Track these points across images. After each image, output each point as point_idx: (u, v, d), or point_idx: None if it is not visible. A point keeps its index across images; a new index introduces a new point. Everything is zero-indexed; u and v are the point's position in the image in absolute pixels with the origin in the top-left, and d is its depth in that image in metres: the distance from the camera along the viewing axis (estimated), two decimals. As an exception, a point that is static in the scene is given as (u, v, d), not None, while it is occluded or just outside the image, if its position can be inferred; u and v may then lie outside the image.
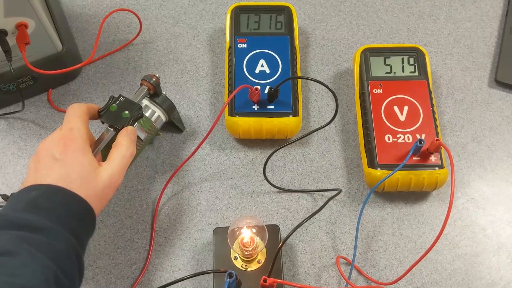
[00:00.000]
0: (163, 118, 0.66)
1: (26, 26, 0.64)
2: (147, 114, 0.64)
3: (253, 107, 0.67)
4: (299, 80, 0.70)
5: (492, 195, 0.66)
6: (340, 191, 0.65)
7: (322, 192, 0.66)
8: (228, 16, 0.74)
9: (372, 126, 0.65)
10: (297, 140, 0.65)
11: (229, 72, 0.70)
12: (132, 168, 0.68)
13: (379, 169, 0.62)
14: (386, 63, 0.70)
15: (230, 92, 0.68)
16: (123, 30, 0.78)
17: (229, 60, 0.71)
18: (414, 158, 0.63)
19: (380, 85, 0.68)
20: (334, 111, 0.61)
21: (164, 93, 0.65)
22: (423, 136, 0.64)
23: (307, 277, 0.61)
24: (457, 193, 0.66)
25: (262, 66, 0.70)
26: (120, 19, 0.79)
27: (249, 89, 0.65)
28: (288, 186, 0.67)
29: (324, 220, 0.65)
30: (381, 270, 0.61)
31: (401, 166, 0.60)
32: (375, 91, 0.67)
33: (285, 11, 0.74)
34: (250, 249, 0.54)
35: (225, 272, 0.48)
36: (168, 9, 0.80)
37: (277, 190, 0.66)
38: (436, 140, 0.60)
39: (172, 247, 0.63)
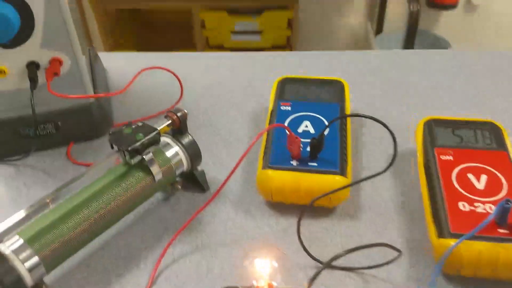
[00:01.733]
0: (185, 164, 0.56)
1: (60, 62, 0.61)
2: (167, 154, 0.54)
3: (292, 162, 0.56)
4: (349, 138, 0.59)
5: None
6: (400, 253, 0.48)
7: (376, 273, 0.50)
8: (275, 86, 0.68)
9: (441, 192, 0.51)
10: (333, 192, 0.52)
11: (268, 135, 0.60)
12: (137, 224, 0.55)
13: (452, 238, 0.46)
14: (455, 133, 0.59)
15: (265, 153, 0.58)
16: (167, 94, 0.74)
17: (270, 122, 0.62)
18: (500, 230, 0.47)
19: (450, 152, 0.56)
20: (393, 155, 0.49)
21: (191, 137, 0.57)
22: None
23: None
24: None
25: (306, 126, 0.60)
26: (163, 83, 0.76)
27: (288, 135, 0.55)
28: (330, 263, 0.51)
29: (376, 309, 0.47)
30: None
31: (481, 227, 0.44)
32: (443, 157, 0.55)
33: (337, 84, 0.67)
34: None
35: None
36: (209, 80, 0.76)
37: (315, 264, 0.51)
38: (530, 202, 0.45)
39: (165, 318, 0.46)
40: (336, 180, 0.54)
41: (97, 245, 0.53)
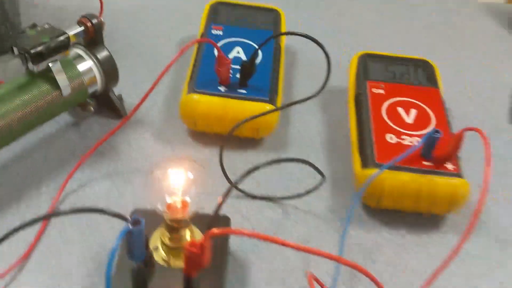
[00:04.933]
0: (99, 82, 0.50)
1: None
2: (79, 67, 0.48)
3: (220, 88, 0.52)
4: (281, 67, 0.56)
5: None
6: (324, 177, 0.47)
7: (297, 203, 0.48)
8: (206, 9, 0.63)
9: (369, 123, 0.49)
10: (258, 116, 0.48)
11: (196, 55, 0.56)
12: (40, 146, 0.50)
13: (376, 168, 0.45)
14: (389, 69, 0.57)
15: (191, 77, 0.53)
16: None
17: (198, 47, 0.57)
18: (424, 163, 0.46)
19: (382, 85, 0.54)
20: (326, 76, 0.46)
21: (108, 51, 0.51)
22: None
23: (261, 305, 0.39)
24: (479, 225, 0.47)
25: (238, 52, 0.56)
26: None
27: (218, 55, 0.50)
28: (252, 191, 0.48)
29: (296, 238, 0.45)
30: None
31: (406, 155, 0.43)
32: (375, 90, 0.53)
33: (273, 12, 0.63)
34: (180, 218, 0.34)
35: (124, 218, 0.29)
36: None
37: (236, 194, 0.48)
38: (458, 132, 0.44)
39: (66, 245, 0.42)
40: (265, 109, 0.50)
41: (-6, 166, 0.48)
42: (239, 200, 0.47)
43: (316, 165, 0.47)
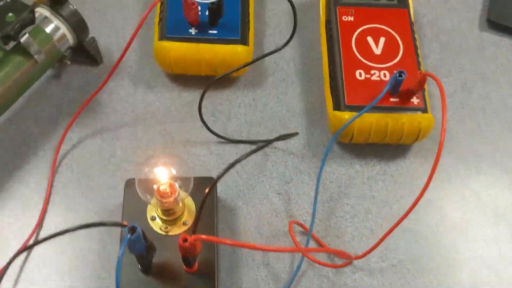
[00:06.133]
0: (70, 39, 0.50)
1: None
2: (47, 30, 0.48)
3: (190, 30, 0.52)
4: (251, 3, 0.55)
5: (486, 153, 0.53)
6: (297, 133, 0.51)
7: (276, 144, 0.52)
8: None
9: (340, 60, 0.51)
10: (240, 68, 0.50)
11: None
12: (28, 107, 0.52)
13: (347, 110, 0.48)
14: (360, -13, 0.56)
15: (161, 14, 0.53)
16: None
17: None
18: (392, 99, 0.49)
19: (351, 11, 0.54)
20: (293, 28, 0.47)
21: (73, 6, 0.50)
22: (404, 71, 0.50)
23: (250, 247, 0.46)
24: (444, 149, 0.53)
25: (204, -15, 0.54)
26: None
27: (183, 1, 0.49)
28: (233, 136, 0.52)
29: (276, 178, 0.50)
30: (347, 242, 0.47)
31: (375, 103, 0.46)
32: (345, 18, 0.53)
33: None
34: (171, 200, 0.39)
35: (121, 225, 0.33)
36: None
37: (218, 140, 0.51)
38: (420, 72, 0.46)
39: (72, 208, 0.47)
40: (238, 51, 0.51)
41: (-13, 134, 0.50)
42: (222, 145, 0.51)
43: (291, 100, 0.50)
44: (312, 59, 0.57)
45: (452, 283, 0.46)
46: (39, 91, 0.53)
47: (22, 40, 0.45)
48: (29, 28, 0.45)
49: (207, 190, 0.35)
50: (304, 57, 0.57)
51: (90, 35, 0.52)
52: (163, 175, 0.38)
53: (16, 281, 0.44)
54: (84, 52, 0.53)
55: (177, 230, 0.42)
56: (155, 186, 0.39)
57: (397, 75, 0.46)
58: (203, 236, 0.33)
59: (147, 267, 0.40)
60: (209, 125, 0.51)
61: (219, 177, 0.34)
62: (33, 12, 0.44)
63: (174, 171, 0.39)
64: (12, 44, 0.44)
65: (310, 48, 0.58)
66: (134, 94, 0.54)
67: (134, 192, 0.41)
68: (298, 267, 0.45)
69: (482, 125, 0.54)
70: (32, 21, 0.44)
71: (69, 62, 0.53)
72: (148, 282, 0.40)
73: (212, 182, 0.43)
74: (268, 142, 0.46)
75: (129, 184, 0.44)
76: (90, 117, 0.52)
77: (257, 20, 0.59)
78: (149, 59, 0.55)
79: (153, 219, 0.42)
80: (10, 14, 0.43)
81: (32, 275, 0.44)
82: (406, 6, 0.55)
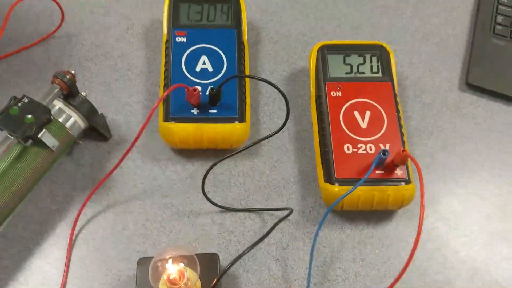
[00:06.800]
0: (82, 124, 0.55)
1: None
2: (60, 120, 0.53)
3: (192, 111, 0.57)
4: (247, 80, 0.60)
5: (465, 213, 0.58)
6: (291, 211, 0.56)
7: (272, 212, 0.57)
8: (166, 4, 0.63)
9: (330, 135, 0.56)
10: (243, 150, 0.55)
11: (165, 70, 0.59)
12: (45, 184, 0.56)
13: (337, 184, 0.53)
14: (346, 62, 0.61)
15: (165, 102, 0.57)
16: (44, 21, 0.67)
17: (166, 56, 0.60)
18: (377, 172, 0.54)
19: (339, 87, 0.59)
20: (286, 117, 0.52)
21: (83, 93, 0.55)
22: (387, 146, 0.55)
23: (252, 315, 0.51)
24: (426, 210, 0.58)
25: (204, 63, 0.59)
26: (41, 9, 0.68)
27: (186, 90, 0.54)
28: (233, 205, 0.57)
29: (274, 245, 0.55)
30: (340, 304, 0.52)
31: (362, 182, 0.51)
32: (333, 93, 0.58)
33: (232, 1, 0.64)
34: (181, 285, 0.44)
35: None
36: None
37: (219, 209, 0.56)
38: (402, 151, 0.51)
39: (90, 281, 0.52)
40: (236, 128, 0.56)
41: (9, 213, 0.55)
42: (223, 215, 0.56)
43: (286, 167, 0.55)
44: (304, 127, 0.62)
45: None
46: (53, 170, 0.57)
47: (40, 135, 0.49)
48: (46, 125, 0.50)
49: (212, 284, 0.39)
50: (297, 125, 0.62)
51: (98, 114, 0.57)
52: (172, 269, 0.43)
53: None
54: (94, 130, 0.58)
55: (186, 307, 0.47)
56: (165, 277, 0.43)
57: (381, 154, 0.51)
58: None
59: None
60: (211, 194, 0.56)
61: (224, 271, 0.39)
62: (49, 112, 0.49)
63: (182, 265, 0.43)
64: (30, 141, 0.49)
65: (302, 115, 0.62)
66: (142, 166, 0.58)
67: (146, 270, 0.46)
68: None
69: (460, 184, 0.59)
70: (49, 120, 0.48)
71: (80, 142, 0.57)
72: None
73: (214, 258, 0.48)
74: (268, 232, 0.51)
75: (141, 263, 0.49)
76: (102, 191, 0.57)
77: (252, 90, 0.63)
78: (154, 134, 0.60)
79: (164, 296, 0.47)
80: (29, 116, 0.48)
81: None
82: (390, 79, 0.60)
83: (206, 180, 0.56)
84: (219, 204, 0.56)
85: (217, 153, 0.59)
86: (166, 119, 0.56)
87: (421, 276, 0.54)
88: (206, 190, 0.55)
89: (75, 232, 0.54)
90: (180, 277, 0.43)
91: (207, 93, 0.56)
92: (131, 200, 0.56)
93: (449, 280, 0.54)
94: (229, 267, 0.42)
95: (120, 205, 0.56)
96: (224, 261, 0.53)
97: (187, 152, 0.59)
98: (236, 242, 0.55)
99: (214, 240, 0.55)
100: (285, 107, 0.62)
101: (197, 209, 0.56)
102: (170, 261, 0.43)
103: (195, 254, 0.45)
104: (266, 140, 0.60)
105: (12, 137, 0.48)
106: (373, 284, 0.53)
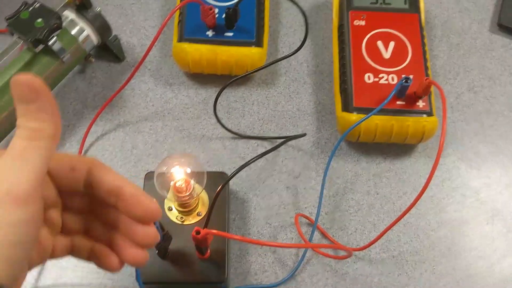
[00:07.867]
0: (95, 39, 0.53)
1: None
2: (73, 32, 0.51)
3: (207, 33, 0.55)
4: (267, 6, 0.58)
5: (488, 154, 0.55)
6: (305, 134, 0.54)
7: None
8: None
9: (350, 63, 0.53)
10: (256, 71, 0.53)
11: (181, -2, 0.57)
12: (57, 99, 0.55)
13: (354, 112, 0.51)
14: (372, -9, 0.58)
15: (180, 16, 0.56)
16: None
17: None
18: (398, 102, 0.51)
19: (363, 16, 0.56)
20: (304, 35, 0.49)
21: (98, 8, 0.53)
22: (410, 77, 0.52)
23: (259, 237, 0.50)
24: (447, 149, 0.55)
25: (222, -12, 0.57)
26: None
27: (201, 7, 0.52)
28: (246, 132, 0.55)
29: (285, 173, 0.53)
30: (350, 234, 0.50)
31: (381, 107, 0.49)
32: (356, 22, 0.56)
33: None
34: (186, 195, 0.42)
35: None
36: None
37: (231, 135, 0.55)
38: (426, 79, 0.49)
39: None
40: (252, 52, 0.54)
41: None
42: (235, 141, 0.54)
43: (302, 99, 0.53)
44: (324, 60, 0.59)
45: (448, 273, 0.49)
46: (65, 86, 0.56)
47: (50, 43, 0.48)
48: (56, 32, 0.48)
49: (218, 190, 0.38)
50: (317, 58, 0.59)
51: (112, 34, 0.56)
52: (179, 173, 0.42)
53: None
54: (107, 49, 0.56)
55: (191, 220, 0.45)
56: (171, 183, 0.42)
57: (404, 81, 0.49)
58: (214, 231, 0.36)
59: (163, 253, 0.43)
60: (223, 121, 0.54)
61: (231, 177, 0.38)
62: (60, 18, 0.47)
63: (189, 170, 0.42)
64: (41, 46, 0.48)
65: (323, 49, 0.60)
66: (154, 89, 0.57)
67: (153, 185, 0.44)
68: (303, 255, 0.48)
69: (486, 126, 0.57)
70: (59, 26, 0.47)
71: (93, 60, 0.56)
72: (165, 266, 0.44)
73: (224, 177, 0.46)
74: (276, 146, 0.49)
75: (148, 177, 0.48)
76: (113, 111, 0.55)
77: (272, 19, 0.61)
78: (168, 58, 0.58)
79: (170, 209, 0.46)
80: (39, 20, 0.46)
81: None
82: (417, 11, 0.57)
83: (220, 107, 0.55)
84: (232, 129, 0.54)
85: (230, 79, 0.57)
86: (180, 39, 0.54)
87: (438, 213, 0.52)
88: (219, 116, 0.53)
89: (84, 148, 0.53)
90: (186, 186, 0.42)
91: (223, 16, 0.54)
92: (142, 121, 0.55)
93: (467, 219, 0.52)
94: (232, 177, 0.39)
95: (131, 125, 0.55)
96: (234, 185, 0.52)
97: (201, 77, 0.57)
98: (247, 168, 0.53)
99: (225, 164, 0.53)
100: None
101: (209, 134, 0.55)
102: (177, 167, 0.42)
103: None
104: (283, 71, 0.58)
105: (22, 41, 0.47)
106: (387, 217, 0.51)
